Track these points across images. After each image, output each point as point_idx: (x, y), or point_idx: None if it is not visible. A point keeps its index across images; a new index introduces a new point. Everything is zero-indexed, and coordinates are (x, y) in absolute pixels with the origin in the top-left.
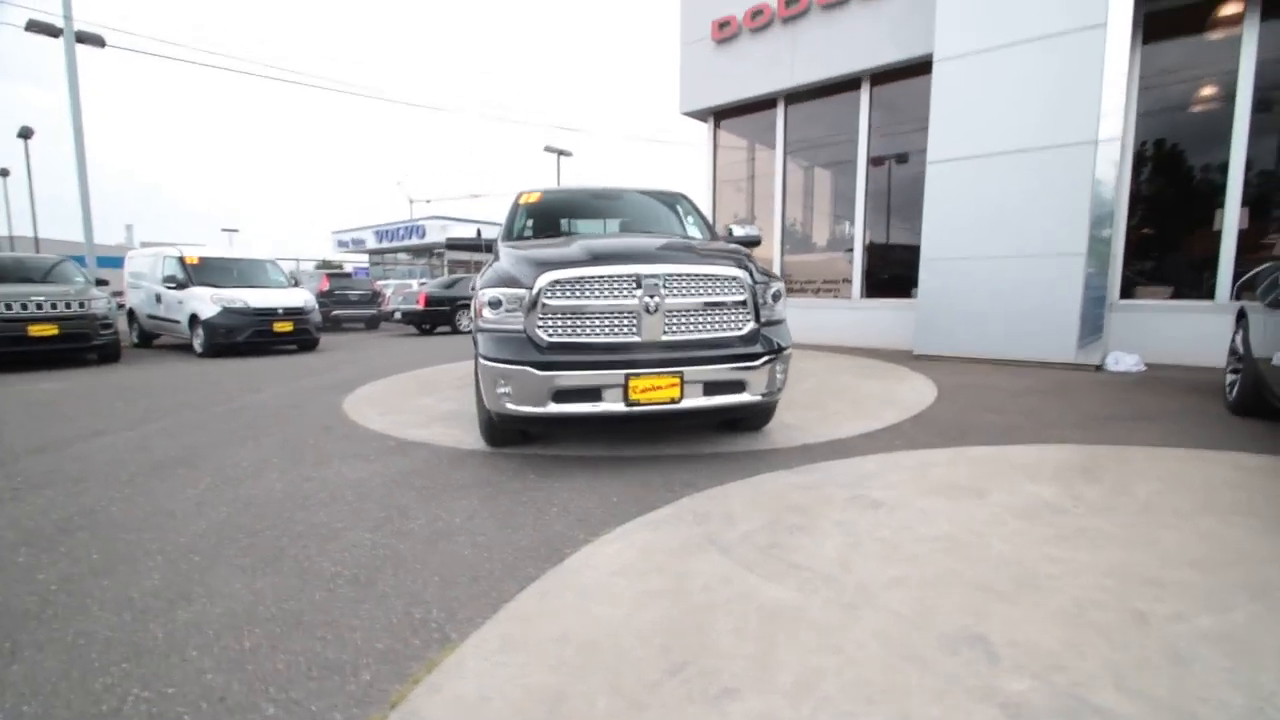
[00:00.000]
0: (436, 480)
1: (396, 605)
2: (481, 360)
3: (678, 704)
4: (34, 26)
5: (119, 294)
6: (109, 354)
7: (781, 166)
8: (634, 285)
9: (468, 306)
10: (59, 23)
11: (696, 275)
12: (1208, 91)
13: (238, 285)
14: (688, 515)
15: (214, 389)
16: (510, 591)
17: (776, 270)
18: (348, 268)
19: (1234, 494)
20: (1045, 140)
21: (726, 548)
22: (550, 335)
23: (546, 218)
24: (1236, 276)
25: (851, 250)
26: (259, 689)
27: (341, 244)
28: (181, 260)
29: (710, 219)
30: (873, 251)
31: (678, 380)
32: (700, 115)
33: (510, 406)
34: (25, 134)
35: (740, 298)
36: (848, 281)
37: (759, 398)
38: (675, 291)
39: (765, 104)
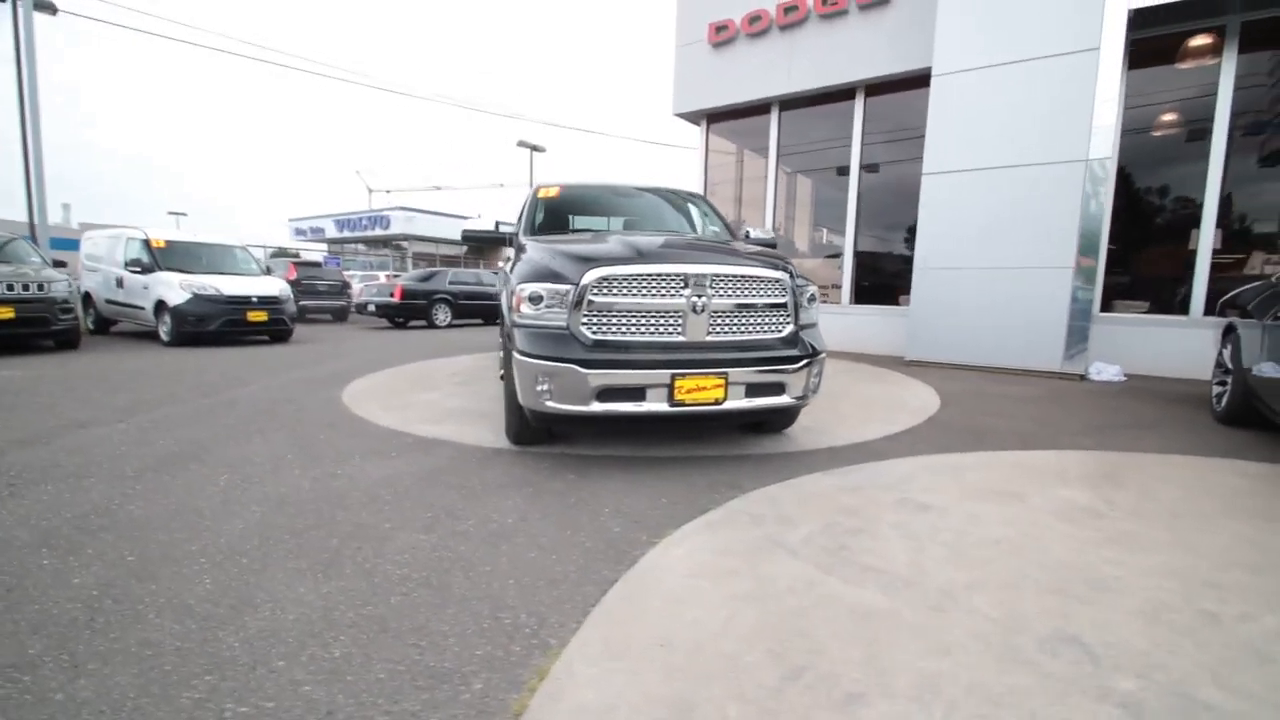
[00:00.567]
0: (470, 479)
1: (481, 610)
2: (519, 356)
3: (807, 710)
4: None
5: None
6: (67, 340)
7: (774, 171)
8: (682, 284)
9: (446, 300)
10: None
11: (742, 276)
12: (1187, 116)
13: (207, 271)
14: (742, 517)
15: (194, 380)
16: (592, 595)
17: None
18: (316, 256)
19: (1249, 500)
20: (1038, 157)
21: (794, 550)
22: (594, 333)
23: (566, 213)
24: (1210, 294)
25: (840, 256)
26: (367, 701)
27: (299, 233)
28: (147, 243)
29: None
30: (860, 258)
31: (723, 381)
32: (693, 118)
33: (550, 404)
34: None
35: (782, 300)
36: (837, 287)
37: (796, 400)
38: (721, 292)
39: (759, 109)
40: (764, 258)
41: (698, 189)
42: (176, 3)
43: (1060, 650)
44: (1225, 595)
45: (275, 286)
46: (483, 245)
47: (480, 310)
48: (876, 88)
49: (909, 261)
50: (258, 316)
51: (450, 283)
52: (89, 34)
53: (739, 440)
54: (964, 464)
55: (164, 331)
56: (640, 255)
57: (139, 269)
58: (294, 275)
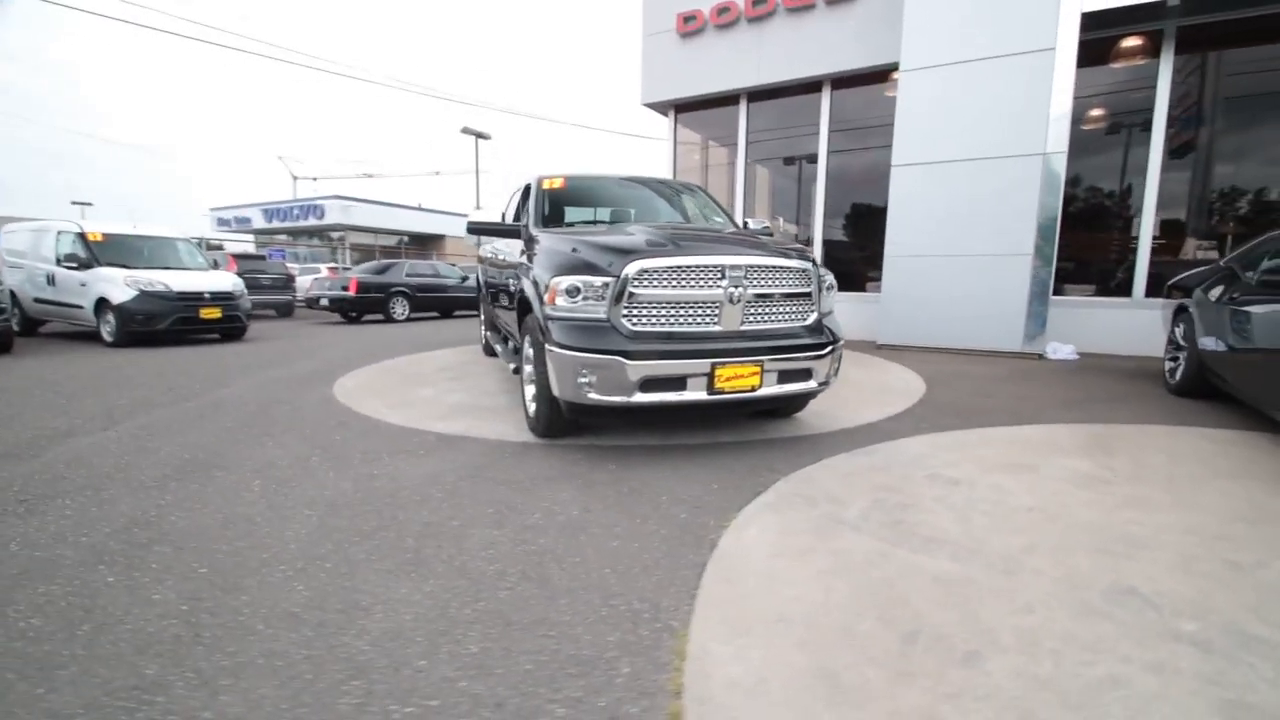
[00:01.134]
0: (514, 473)
1: (592, 599)
2: (557, 350)
3: (938, 669)
4: None
5: None
6: (1, 344)
7: (744, 162)
8: (719, 276)
9: (403, 294)
10: None
11: (774, 267)
12: (1128, 112)
13: (150, 266)
14: (795, 499)
15: (161, 383)
16: (690, 579)
17: None
18: (246, 248)
19: (1223, 462)
20: (999, 151)
21: (856, 526)
22: (635, 324)
23: (572, 204)
24: (1151, 278)
25: (810, 244)
26: (529, 691)
27: (222, 223)
28: (82, 236)
29: None
30: (829, 247)
31: (759, 369)
32: (661, 108)
33: (593, 396)
34: None
35: (807, 289)
36: None
37: (820, 386)
38: (755, 283)
39: (728, 100)
40: (789, 248)
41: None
42: None
43: (1124, 601)
44: (1238, 546)
45: (229, 281)
46: (485, 236)
47: (438, 303)
48: (843, 81)
49: (877, 250)
50: (211, 314)
51: (408, 275)
52: None
53: (754, 425)
54: (969, 441)
55: (107, 332)
56: (678, 247)
57: (75, 265)
58: (234, 269)
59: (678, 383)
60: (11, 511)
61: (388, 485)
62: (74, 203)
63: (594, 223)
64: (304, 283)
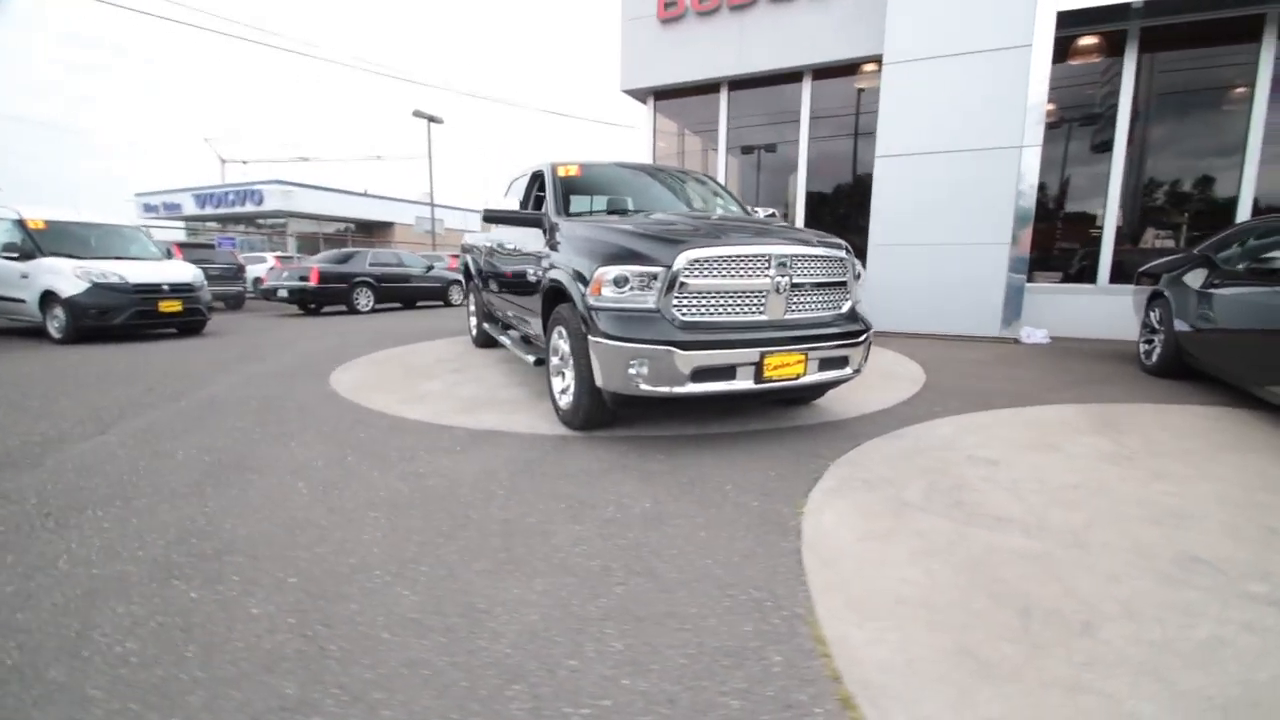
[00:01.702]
0: (566, 467)
1: (709, 590)
2: (604, 341)
3: (1063, 640)
4: None
5: None
6: None
7: (724, 149)
8: (766, 265)
9: (367, 284)
10: None
11: (817, 256)
12: (1095, 108)
13: (97, 255)
14: (854, 483)
15: (134, 381)
16: (790, 566)
17: None
18: (210, 237)
19: (1220, 436)
20: (979, 143)
21: (923, 507)
22: (685, 314)
23: (590, 192)
24: (1114, 266)
25: None
26: (695, 685)
27: (149, 209)
28: (21, 223)
29: None
30: None
31: (804, 357)
32: (640, 95)
33: (645, 387)
34: None
35: (844, 278)
36: None
37: (854, 372)
38: (799, 271)
39: (709, 88)
40: (826, 238)
41: None
42: None
43: (1193, 568)
44: (1268, 513)
45: (188, 272)
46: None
47: (402, 294)
48: (824, 71)
49: (855, 238)
50: (171, 307)
51: (371, 264)
52: None
53: (780, 413)
54: (987, 422)
55: (55, 328)
56: (725, 237)
57: (15, 255)
58: (180, 259)
59: (728, 372)
60: (41, 526)
61: (442, 484)
62: None
63: (619, 212)
64: (272, 273)
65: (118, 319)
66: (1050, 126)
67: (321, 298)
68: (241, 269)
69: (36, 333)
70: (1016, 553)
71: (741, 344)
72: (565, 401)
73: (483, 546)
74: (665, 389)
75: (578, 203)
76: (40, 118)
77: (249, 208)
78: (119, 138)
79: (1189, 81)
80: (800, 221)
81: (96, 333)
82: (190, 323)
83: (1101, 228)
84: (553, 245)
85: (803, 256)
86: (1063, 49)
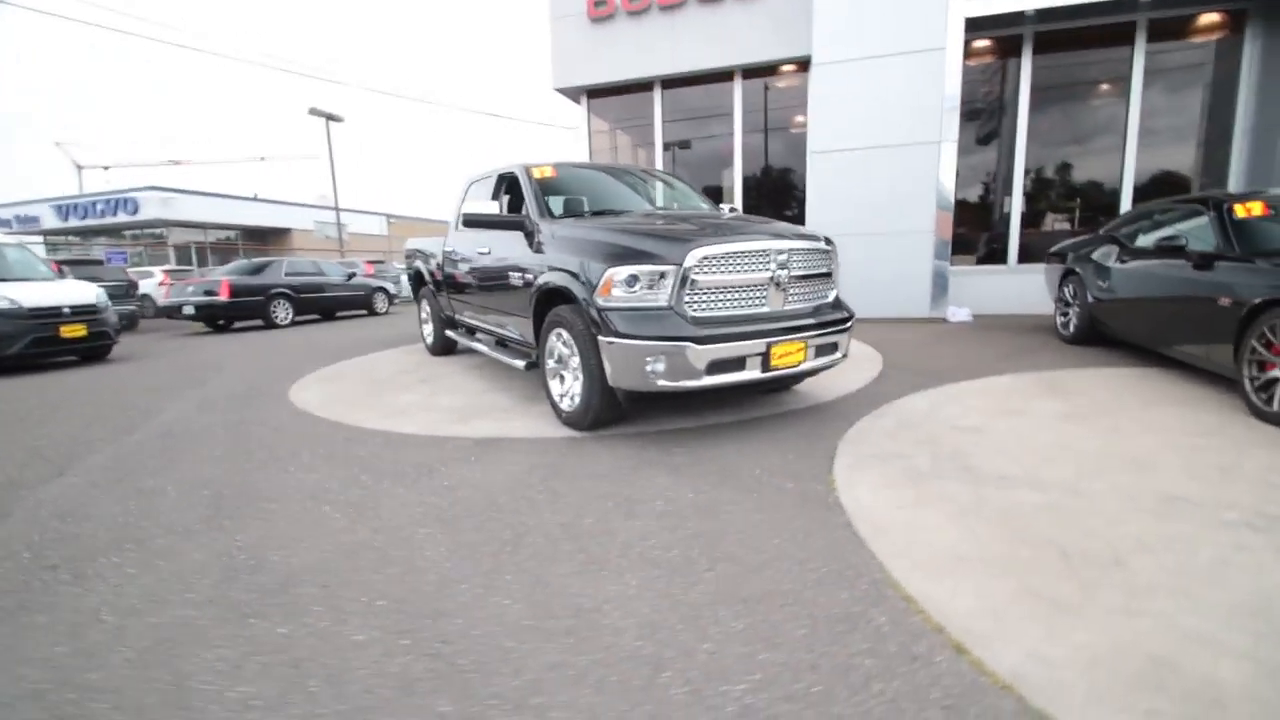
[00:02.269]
0: (594, 467)
1: (791, 569)
2: (619, 340)
3: (1105, 575)
4: None
5: None
6: None
7: (660, 148)
8: (767, 259)
9: (285, 295)
10: None
11: (809, 249)
12: (998, 104)
13: None
14: (867, 459)
15: (62, 415)
16: (850, 537)
17: None
18: (98, 253)
19: (1148, 392)
20: (902, 139)
21: (938, 475)
22: (696, 310)
23: (564, 193)
24: (1021, 249)
25: None
26: (824, 650)
27: (1, 223)
28: None
29: None
30: None
31: (804, 345)
32: (573, 94)
33: (661, 383)
34: None
35: (829, 269)
36: None
37: (842, 356)
38: (796, 264)
39: (642, 86)
40: (813, 232)
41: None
42: None
43: (1175, 504)
44: (1212, 454)
45: (90, 293)
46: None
47: (322, 304)
48: (753, 71)
49: None
50: (74, 331)
51: (288, 274)
52: None
53: (767, 401)
54: (954, 394)
55: None
56: (728, 234)
57: None
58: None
59: (738, 363)
60: (54, 580)
61: (477, 495)
62: None
63: (602, 212)
64: (172, 289)
65: (11, 349)
66: (981, 121)
67: (234, 313)
68: (134, 286)
69: None
70: (1031, 505)
71: (749, 336)
72: (569, 404)
73: (555, 551)
74: (681, 383)
75: (555, 204)
76: None
77: (122, 218)
78: None
79: (1076, 78)
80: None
81: None
82: (95, 348)
83: (1009, 213)
84: (537, 248)
85: (799, 250)
86: (978, 50)
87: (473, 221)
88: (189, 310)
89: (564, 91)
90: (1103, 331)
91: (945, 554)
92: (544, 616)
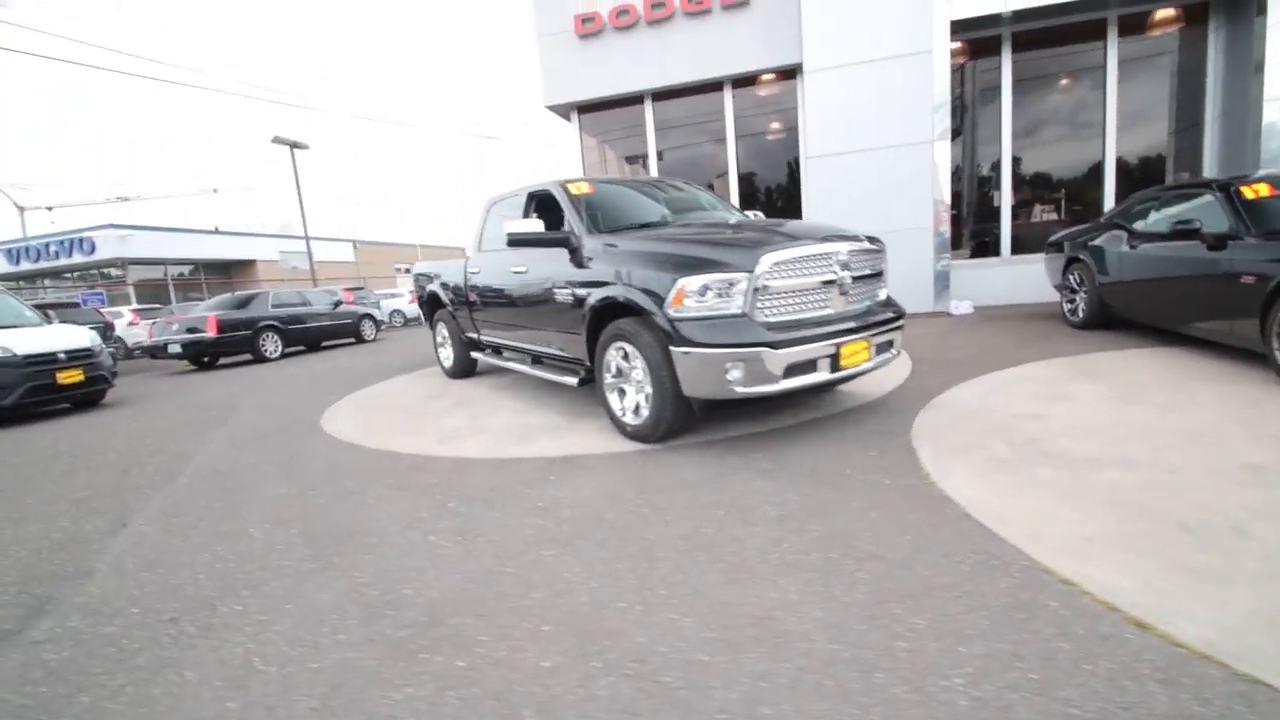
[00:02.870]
0: (682, 477)
1: (937, 560)
2: (697, 349)
3: (1230, 542)
4: None
5: None
6: None
7: (654, 159)
8: (830, 262)
9: (274, 328)
10: None
11: (866, 250)
12: (984, 102)
13: None
14: (949, 451)
15: (89, 465)
16: (973, 527)
17: None
18: (76, 296)
19: (1179, 370)
20: (897, 140)
21: (1023, 461)
22: (767, 315)
23: (603, 208)
24: (1013, 241)
25: None
26: (1020, 640)
27: None
28: None
29: None
30: None
31: (868, 344)
32: (563, 110)
33: (740, 389)
34: None
35: (881, 269)
36: None
37: (896, 354)
38: (856, 266)
39: (633, 100)
40: (864, 234)
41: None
42: None
43: (1259, 472)
44: (1263, 423)
45: (84, 336)
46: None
47: (311, 335)
48: (743, 81)
49: None
50: (71, 378)
51: (275, 306)
52: None
53: (813, 403)
54: (995, 385)
55: None
56: (792, 239)
57: None
58: None
59: (810, 366)
60: (180, 634)
61: (578, 513)
62: None
63: (652, 225)
64: (157, 328)
65: (8, 399)
66: (968, 118)
67: (222, 349)
68: (110, 327)
69: None
70: (1128, 484)
71: (820, 338)
72: (633, 418)
73: (693, 562)
74: (759, 388)
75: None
76: None
77: (78, 258)
78: None
79: (1055, 73)
80: None
81: None
82: (92, 394)
83: (999, 207)
84: (582, 263)
85: (858, 251)
86: (973, 49)
87: (518, 240)
88: (174, 349)
89: (554, 108)
90: (1113, 315)
91: (1074, 536)
92: (721, 628)
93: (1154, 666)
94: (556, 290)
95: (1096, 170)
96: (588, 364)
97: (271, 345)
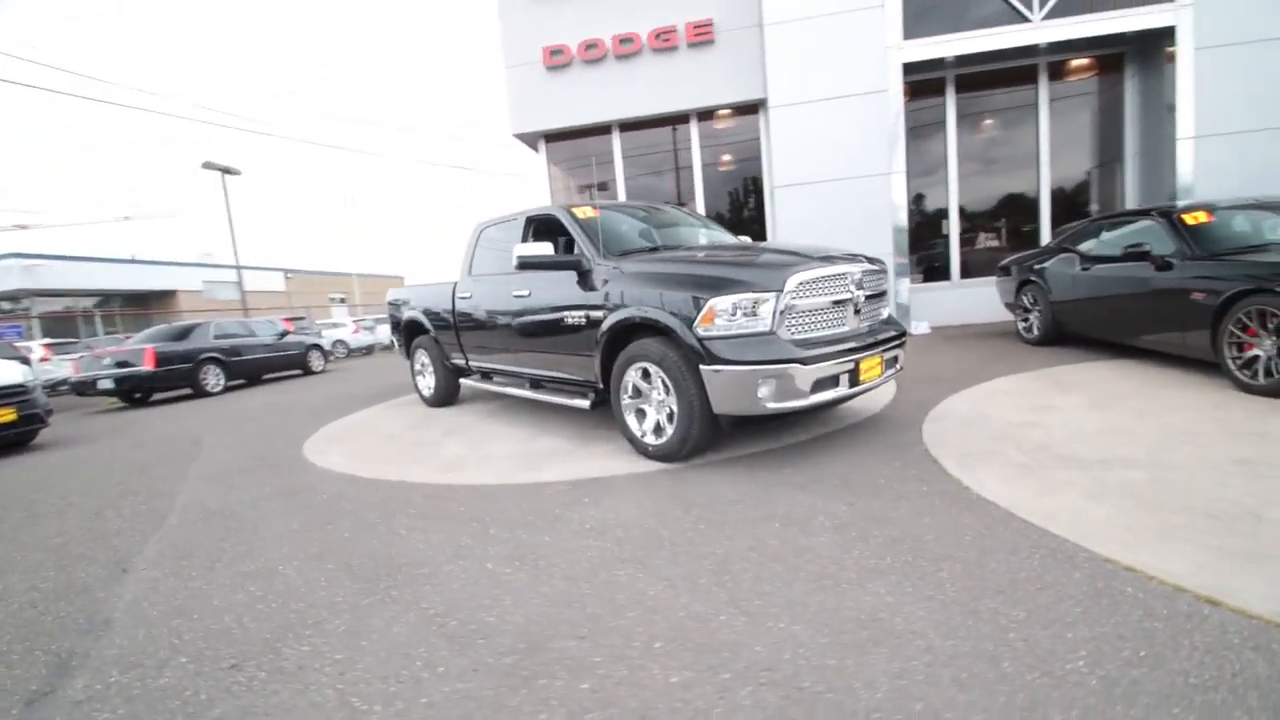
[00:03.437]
0: (723, 495)
1: (1007, 559)
2: (727, 367)
3: (1254, 525)
4: None
5: None
6: None
7: (623, 189)
8: (847, 281)
9: (216, 360)
10: None
11: (875, 271)
12: (929, 138)
13: None
14: (967, 458)
15: (50, 509)
16: (1022, 527)
17: None
18: None
19: (1141, 379)
20: (858, 171)
21: (1041, 464)
22: (793, 333)
23: (611, 231)
24: (962, 266)
25: None
26: (1114, 625)
27: None
28: None
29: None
30: None
31: (881, 359)
32: (530, 139)
33: (771, 405)
34: None
35: (885, 288)
36: None
37: (900, 368)
38: (868, 285)
39: (600, 130)
40: (869, 255)
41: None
42: None
43: (1250, 466)
44: (1238, 422)
45: (16, 372)
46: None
47: (255, 367)
48: (708, 114)
49: None
50: (4, 416)
51: (217, 337)
52: None
53: (820, 418)
54: (981, 396)
55: None
56: (815, 259)
57: None
58: None
59: (833, 381)
60: (249, 680)
61: (633, 533)
62: None
63: (661, 248)
64: (83, 363)
65: None
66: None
67: (159, 383)
68: (26, 361)
69: None
70: (1142, 481)
71: (840, 355)
72: (654, 438)
73: (772, 573)
74: (788, 404)
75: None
76: None
77: None
78: None
79: (993, 111)
80: None
81: None
82: (23, 434)
83: (948, 234)
84: (593, 286)
85: (869, 271)
86: (921, 89)
87: (528, 264)
88: (105, 384)
89: (522, 137)
90: (1066, 331)
91: (1116, 529)
92: (834, 633)
93: (1243, 638)
94: (566, 313)
95: (1033, 200)
96: (600, 386)
97: (214, 379)
